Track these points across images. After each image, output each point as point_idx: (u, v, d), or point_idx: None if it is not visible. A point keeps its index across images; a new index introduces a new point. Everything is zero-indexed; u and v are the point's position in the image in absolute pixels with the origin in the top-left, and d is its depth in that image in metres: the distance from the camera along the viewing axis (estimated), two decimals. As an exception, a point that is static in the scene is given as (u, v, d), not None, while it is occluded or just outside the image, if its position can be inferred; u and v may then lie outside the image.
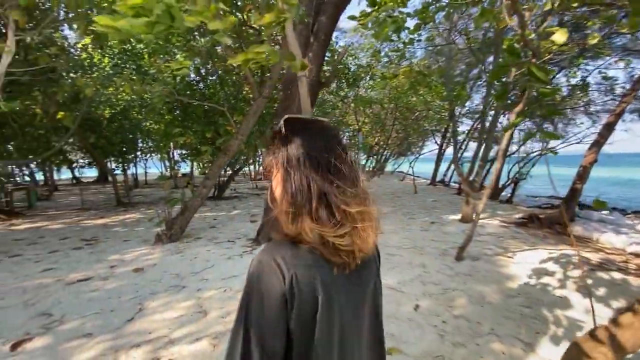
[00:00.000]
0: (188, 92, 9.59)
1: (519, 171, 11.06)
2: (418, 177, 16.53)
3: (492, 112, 7.16)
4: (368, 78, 14.82)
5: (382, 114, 19.22)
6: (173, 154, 15.61)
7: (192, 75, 10.18)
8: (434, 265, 4.37)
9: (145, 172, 22.94)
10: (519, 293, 3.55)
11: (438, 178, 17.98)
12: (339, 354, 0.73)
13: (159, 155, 18.53)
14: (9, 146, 9.77)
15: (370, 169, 22.73)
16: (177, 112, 10.30)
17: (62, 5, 6.28)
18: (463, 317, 3.01)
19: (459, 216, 7.50)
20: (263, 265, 0.70)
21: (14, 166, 14.57)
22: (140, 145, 14.02)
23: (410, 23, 4.62)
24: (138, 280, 4.09)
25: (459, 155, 7.72)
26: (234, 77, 10.69)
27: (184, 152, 12.62)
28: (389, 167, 27.24)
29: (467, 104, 13.43)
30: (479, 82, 12.13)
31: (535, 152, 11.60)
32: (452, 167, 17.88)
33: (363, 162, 20.83)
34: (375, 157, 22.52)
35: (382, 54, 8.79)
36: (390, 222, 7.31)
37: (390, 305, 3.23)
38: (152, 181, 23.65)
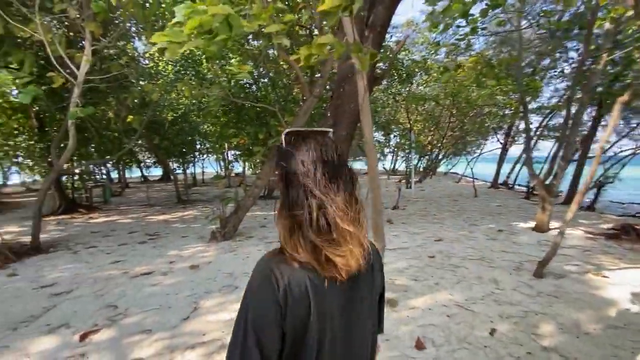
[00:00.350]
0: (242, 95, 9.88)
1: (603, 173, 9.55)
2: (476, 179, 15.22)
3: (575, 106, 6.19)
4: (422, 73, 14.04)
5: (436, 111, 18.14)
6: (227, 154, 16.41)
7: (245, 79, 10.42)
8: (509, 282, 3.81)
9: (203, 172, 24.42)
10: (624, 323, 2.89)
11: (500, 180, 16.42)
12: (330, 357, 0.77)
13: (215, 156, 19.64)
14: (90, 148, 10.96)
15: (422, 169, 21.62)
16: (232, 114, 10.68)
17: (132, 19, 6.79)
18: (555, 350, 2.50)
19: (531, 224, 6.64)
20: (260, 275, 0.75)
21: (93, 165, 16.44)
22: (198, 146, 14.85)
23: (476, 10, 4.12)
24: (194, 278, 4.16)
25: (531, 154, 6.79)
26: (285, 79, 10.81)
27: (237, 152, 13.12)
28: (441, 168, 25.70)
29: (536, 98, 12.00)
30: (551, 73, 10.77)
31: (626, 150, 9.96)
32: (517, 168, 16.21)
33: (415, 162, 19.87)
34: (427, 157, 21.37)
35: (441, 44, 8.13)
36: (451, 228, 6.71)
37: (460, 327, 2.82)
38: (208, 180, 25.15)
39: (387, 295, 3.30)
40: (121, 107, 7.46)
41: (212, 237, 6.03)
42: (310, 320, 0.73)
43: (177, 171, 14.06)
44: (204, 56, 10.62)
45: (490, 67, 6.09)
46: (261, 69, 10.12)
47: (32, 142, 8.73)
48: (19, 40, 6.03)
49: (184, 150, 12.83)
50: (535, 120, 13.88)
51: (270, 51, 8.79)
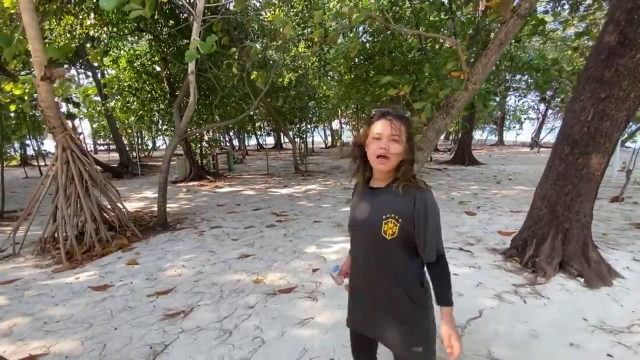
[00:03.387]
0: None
1: None
2: None
3: None
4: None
5: None
6: (341, 121, 14.86)
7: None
8: None
9: (313, 141, 23.81)
10: None
11: None
12: None
13: (328, 124, 18.28)
14: (215, 115, 10.73)
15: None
16: (359, 68, 8.71)
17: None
18: None
19: None
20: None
21: (218, 133, 17.12)
22: (314, 112, 13.54)
23: None
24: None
25: None
26: None
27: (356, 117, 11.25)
28: None
29: None
30: None
31: None
32: None
33: None
34: None
35: None
36: None
37: None
38: (317, 150, 24.49)
39: None
40: (244, 61, 6.26)
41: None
42: None
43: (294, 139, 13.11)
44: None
45: None
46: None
47: (163, 107, 8.59)
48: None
49: (302, 116, 11.59)
50: None
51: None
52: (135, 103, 8.52)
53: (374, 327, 1.16)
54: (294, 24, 9.97)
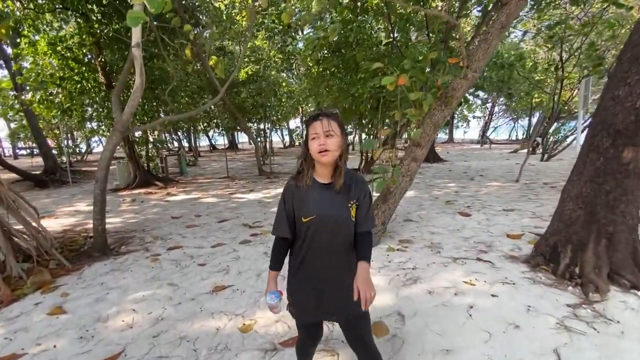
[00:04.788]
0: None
1: None
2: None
3: None
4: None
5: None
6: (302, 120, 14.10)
7: None
8: None
9: (271, 141, 22.76)
10: None
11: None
12: None
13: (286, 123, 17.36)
14: (161, 113, 9.35)
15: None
16: (329, 61, 8.07)
17: None
18: None
19: None
20: None
21: (167, 133, 15.38)
22: (277, 109, 12.65)
23: None
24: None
25: None
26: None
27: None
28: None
29: None
30: None
31: None
32: None
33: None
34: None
35: None
36: None
37: None
38: (277, 150, 23.48)
39: None
40: (201, 45, 5.25)
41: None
42: None
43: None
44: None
45: None
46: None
47: (97, 100, 7.11)
48: None
49: (264, 113, 10.65)
50: None
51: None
52: (60, 95, 6.93)
53: (334, 307, 1.29)
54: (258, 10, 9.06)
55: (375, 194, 3.91)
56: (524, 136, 27.45)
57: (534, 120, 25.49)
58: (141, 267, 3.36)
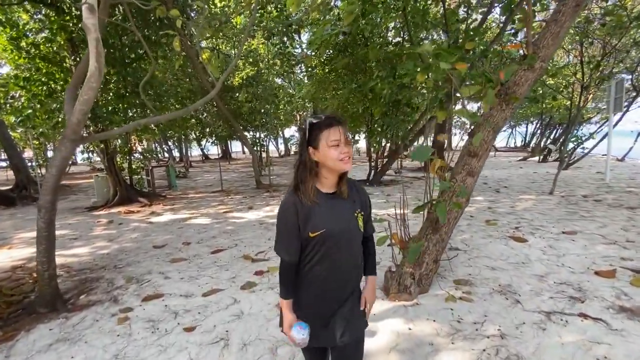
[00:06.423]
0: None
1: None
2: None
3: None
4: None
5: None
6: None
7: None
8: None
9: (267, 150, 21.80)
10: None
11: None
12: None
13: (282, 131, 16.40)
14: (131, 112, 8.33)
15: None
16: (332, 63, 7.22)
17: None
18: None
19: None
20: None
21: (155, 142, 14.28)
22: (276, 115, 11.71)
23: None
24: None
25: None
26: None
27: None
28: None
29: None
30: None
31: None
32: None
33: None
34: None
35: None
36: None
37: None
38: (273, 159, 22.47)
39: None
40: (190, 37, 4.33)
41: (398, 288, 2.72)
42: None
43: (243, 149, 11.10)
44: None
45: None
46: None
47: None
48: None
49: (263, 120, 9.71)
50: None
51: None
52: (23, 99, 5.88)
53: (343, 326, 1.16)
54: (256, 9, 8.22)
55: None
56: (522, 143, 27.00)
57: (531, 128, 25.04)
58: (102, 334, 2.34)
